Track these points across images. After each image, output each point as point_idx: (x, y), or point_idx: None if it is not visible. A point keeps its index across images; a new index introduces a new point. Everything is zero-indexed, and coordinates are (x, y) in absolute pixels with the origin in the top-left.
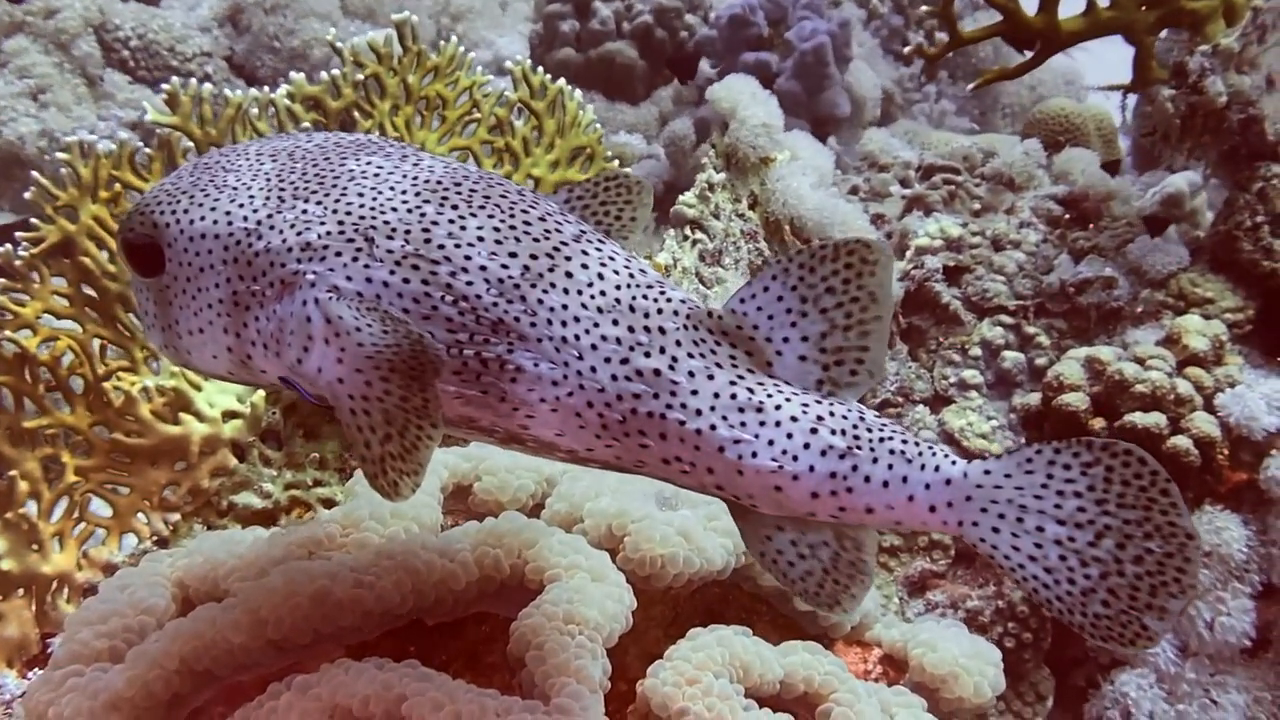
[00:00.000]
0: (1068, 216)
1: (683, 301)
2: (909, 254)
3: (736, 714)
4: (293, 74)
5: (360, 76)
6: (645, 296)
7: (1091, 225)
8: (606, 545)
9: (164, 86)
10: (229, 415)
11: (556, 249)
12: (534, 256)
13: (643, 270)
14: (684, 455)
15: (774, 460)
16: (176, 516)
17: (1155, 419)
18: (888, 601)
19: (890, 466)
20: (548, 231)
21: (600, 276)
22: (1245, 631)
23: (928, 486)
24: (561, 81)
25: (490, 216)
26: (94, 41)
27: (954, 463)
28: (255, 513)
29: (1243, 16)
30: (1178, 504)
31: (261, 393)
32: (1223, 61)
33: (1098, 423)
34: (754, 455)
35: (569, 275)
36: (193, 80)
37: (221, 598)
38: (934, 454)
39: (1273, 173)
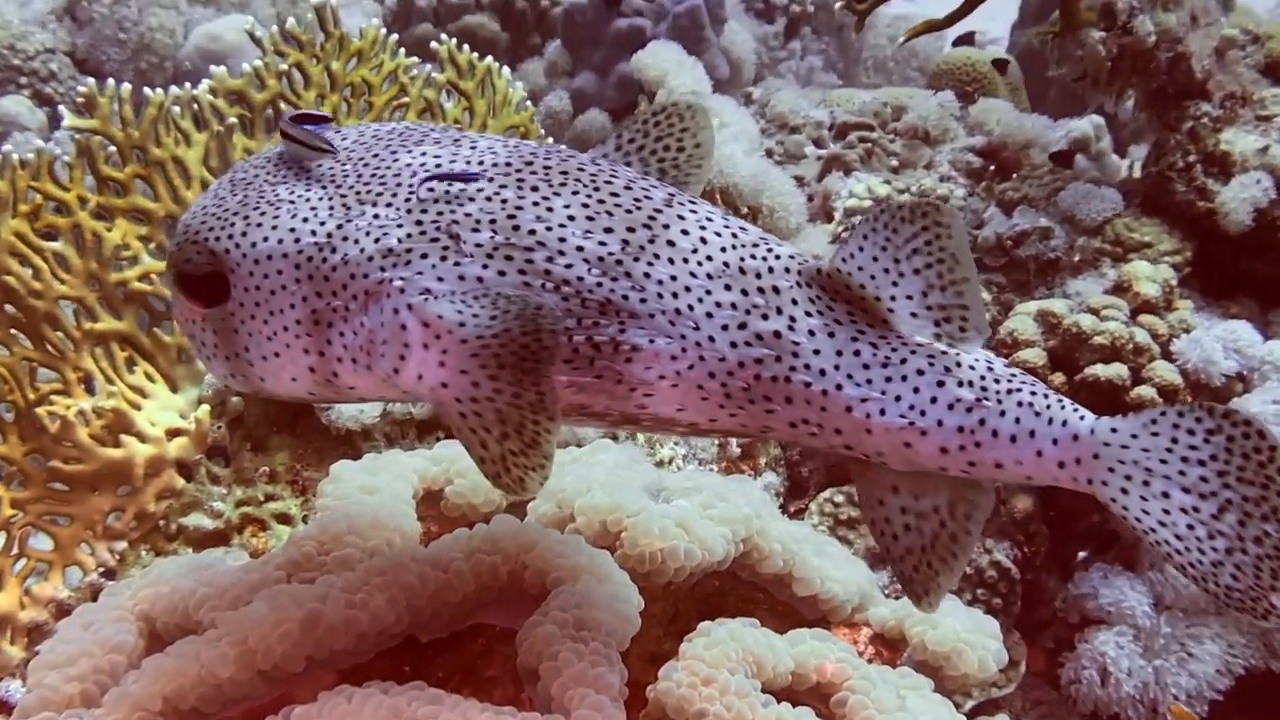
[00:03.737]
0: (991, 168)
1: (791, 258)
2: (837, 216)
3: (756, 711)
4: (214, 68)
5: (283, 66)
6: (753, 256)
7: (1015, 175)
8: (601, 543)
9: (80, 89)
10: (173, 433)
11: (652, 218)
12: (631, 229)
13: (743, 228)
14: (811, 417)
15: (903, 417)
16: (123, 544)
17: (1117, 370)
18: None
19: (1018, 420)
20: (638, 200)
21: (703, 241)
22: None
23: (1055, 442)
24: (490, 59)
25: (575, 193)
26: None
27: (1082, 418)
28: (207, 534)
29: None
30: None
31: (206, 407)
32: (1149, 1)
33: (1057, 378)
34: (882, 413)
35: (671, 244)
36: (109, 82)
37: (194, 629)
38: (1063, 407)
39: (1201, 111)
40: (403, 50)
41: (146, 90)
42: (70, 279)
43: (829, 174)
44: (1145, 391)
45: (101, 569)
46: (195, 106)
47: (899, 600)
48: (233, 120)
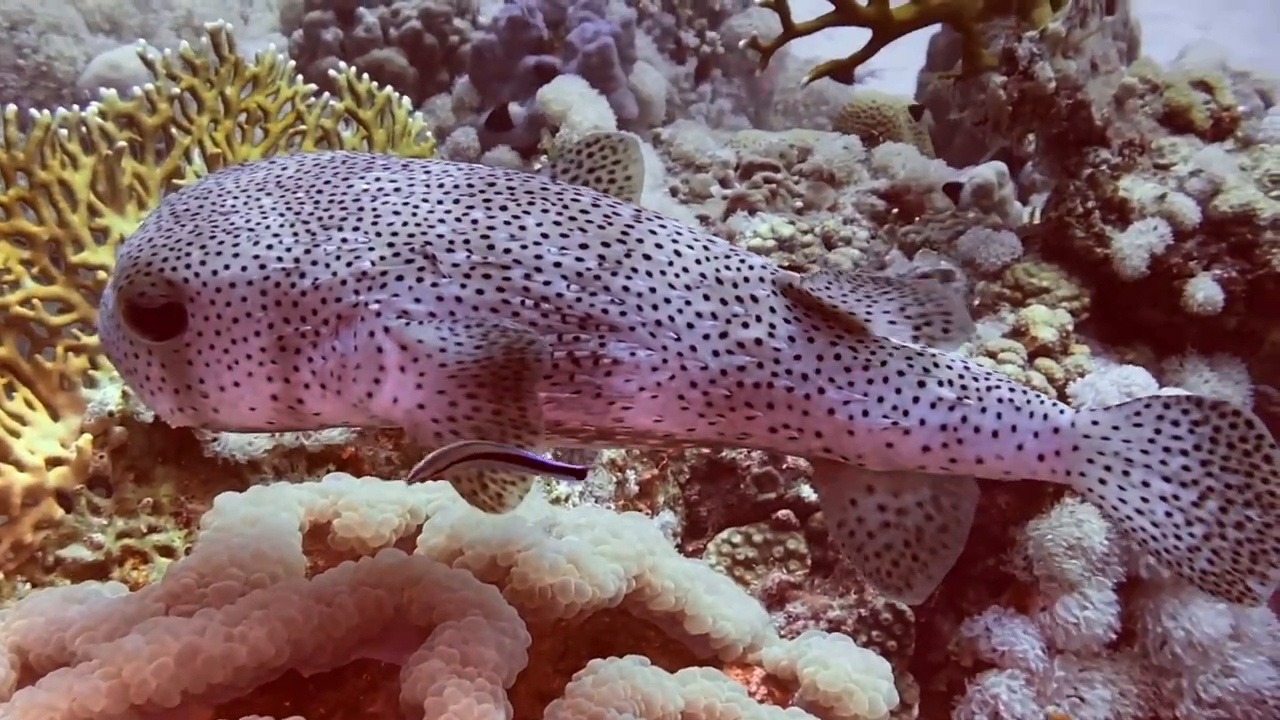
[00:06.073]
0: (894, 211)
1: (764, 266)
2: None
3: None
4: (103, 90)
5: (176, 90)
6: (728, 266)
7: (917, 219)
8: (490, 577)
9: None
10: (52, 462)
11: (625, 232)
12: (606, 244)
13: (711, 240)
14: (792, 421)
15: (885, 417)
16: None
17: None
18: None
19: (999, 416)
20: (608, 217)
21: (677, 253)
22: (1109, 625)
23: (1036, 435)
24: (390, 89)
25: (544, 211)
26: None
27: (1062, 411)
28: (85, 566)
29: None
30: (1279, 472)
31: (88, 436)
32: (1050, 47)
33: None
34: (865, 414)
35: (647, 257)
36: None
37: (69, 661)
38: (1042, 402)
39: (1101, 158)
40: (300, 77)
41: (33, 111)
42: None
43: (734, 214)
44: None
45: None
46: (84, 129)
47: (792, 640)
48: (122, 144)
